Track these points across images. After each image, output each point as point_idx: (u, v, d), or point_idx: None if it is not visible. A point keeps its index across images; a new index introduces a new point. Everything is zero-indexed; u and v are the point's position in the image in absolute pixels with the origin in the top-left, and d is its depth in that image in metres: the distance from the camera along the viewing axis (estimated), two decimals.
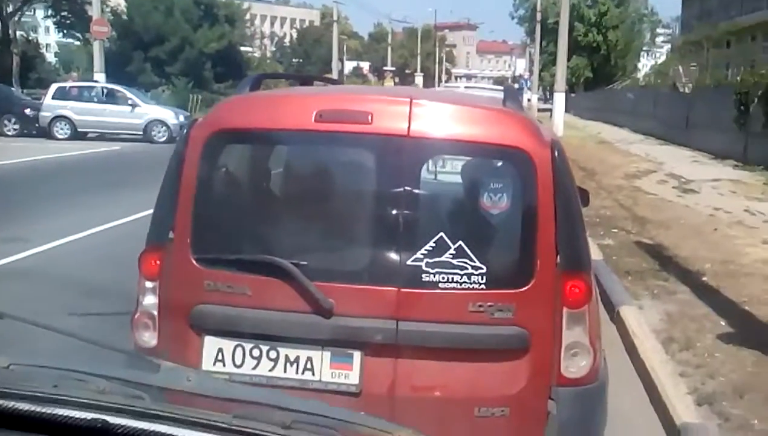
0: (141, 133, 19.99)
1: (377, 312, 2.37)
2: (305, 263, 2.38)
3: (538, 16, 40.67)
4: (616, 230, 8.44)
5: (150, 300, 2.60)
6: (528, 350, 2.39)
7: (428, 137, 2.42)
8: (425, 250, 2.35)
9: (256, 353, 2.43)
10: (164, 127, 20.00)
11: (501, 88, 9.55)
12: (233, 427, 1.11)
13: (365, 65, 78.99)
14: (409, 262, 2.36)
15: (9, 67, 30.95)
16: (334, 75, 32.59)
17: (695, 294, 5.78)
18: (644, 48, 55.95)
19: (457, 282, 2.35)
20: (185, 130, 2.63)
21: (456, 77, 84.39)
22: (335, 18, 42.67)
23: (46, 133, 19.93)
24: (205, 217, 2.54)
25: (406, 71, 75.89)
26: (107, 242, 7.63)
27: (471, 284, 2.35)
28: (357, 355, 2.39)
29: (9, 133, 20.29)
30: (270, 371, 2.42)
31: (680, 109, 20.92)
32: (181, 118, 19.91)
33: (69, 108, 20.15)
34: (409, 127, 2.38)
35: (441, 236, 2.35)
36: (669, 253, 7.23)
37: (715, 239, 7.94)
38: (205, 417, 1.13)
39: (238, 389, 1.33)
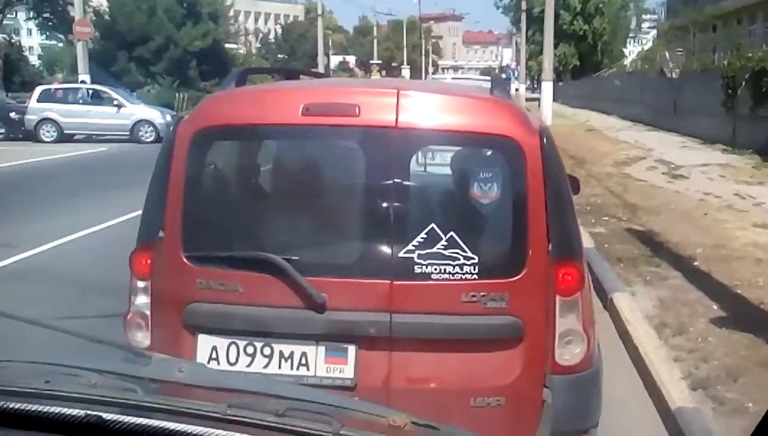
0: (128, 133, 19.88)
1: (370, 305, 2.36)
2: (297, 258, 2.37)
3: (524, 5, 40.63)
4: (606, 218, 8.46)
5: (142, 300, 2.58)
6: (522, 338, 2.39)
7: (416, 128, 2.41)
8: (417, 241, 2.34)
9: (250, 350, 2.42)
10: (151, 127, 19.90)
11: (488, 78, 9.56)
12: (227, 417, 1.10)
13: (351, 59, 78.87)
14: (400, 254, 2.35)
15: None
16: (320, 70, 32.50)
17: (687, 279, 5.81)
18: (630, 35, 56.02)
19: (449, 273, 2.35)
20: (171, 128, 2.61)
21: (443, 69, 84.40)
22: (320, 12, 42.48)
23: (32, 136, 19.82)
24: (195, 215, 2.52)
25: (393, 64, 75.78)
26: (98, 244, 7.59)
27: (463, 274, 2.34)
28: (351, 349, 2.38)
29: None
30: (265, 367, 2.41)
31: (668, 95, 20.97)
32: (168, 117, 19.79)
33: (54, 110, 20.04)
34: (396, 119, 2.37)
35: (432, 228, 2.34)
36: (660, 239, 7.26)
37: (706, 224, 7.98)
38: (199, 408, 1.12)
39: (231, 378, 1.34)
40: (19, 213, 9.05)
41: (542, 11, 25.21)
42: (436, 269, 2.34)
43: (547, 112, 21.07)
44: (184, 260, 2.47)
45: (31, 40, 59.76)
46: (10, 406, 1.11)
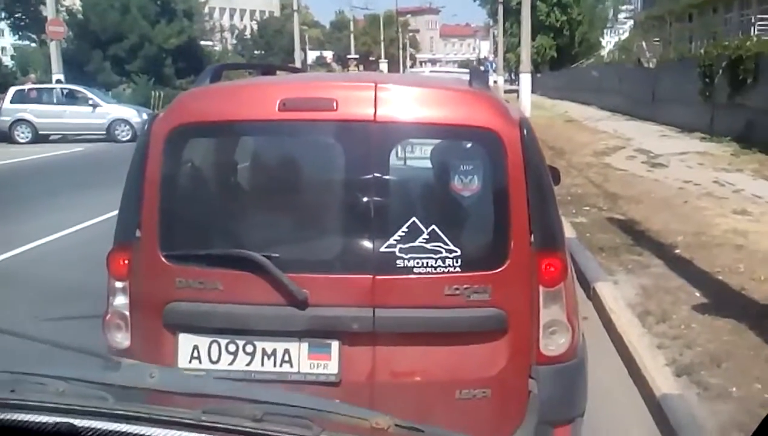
0: (104, 133, 19.70)
1: (353, 301, 2.34)
2: (277, 254, 2.34)
3: None
4: (587, 208, 8.49)
5: (120, 300, 2.55)
6: (506, 330, 2.38)
7: (395, 121, 2.38)
8: (398, 236, 2.32)
9: (232, 348, 2.40)
10: (127, 126, 19.72)
11: (465, 70, 9.54)
12: (203, 423, 1.07)
13: (328, 54, 78.61)
14: (382, 248, 2.32)
15: None
16: (297, 65, 32.35)
17: (669, 267, 5.84)
18: (607, 25, 56.34)
19: (431, 266, 2.33)
20: (146, 126, 2.56)
21: (420, 62, 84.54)
22: (295, 8, 42.20)
23: (6, 137, 19.59)
24: (172, 213, 2.49)
25: (370, 58, 75.65)
26: (76, 245, 7.50)
27: (446, 267, 2.33)
28: (335, 344, 2.36)
29: None
30: (247, 365, 2.38)
31: (645, 85, 21.13)
32: (144, 116, 19.59)
33: (29, 111, 19.81)
34: (375, 113, 2.34)
35: (413, 221, 2.32)
36: (641, 227, 7.30)
37: (686, 212, 8.03)
38: (173, 414, 1.09)
39: (205, 383, 1.27)
40: None
41: (519, 3, 25.27)
42: (418, 263, 2.33)
43: (526, 103, 21.13)
44: (162, 259, 2.43)
45: (3, 40, 58.99)
46: None
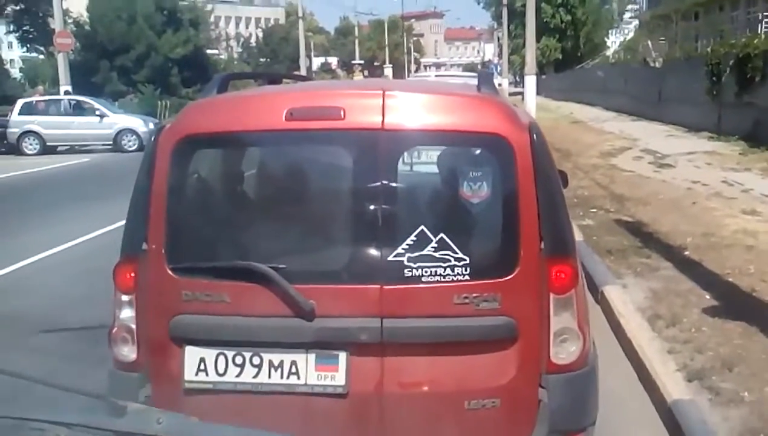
0: (111, 143, 19.78)
1: (361, 311, 2.32)
2: (284, 266, 2.32)
3: (505, 0, 40.67)
4: (594, 210, 8.45)
5: (127, 313, 2.53)
6: (516, 339, 2.35)
7: (403, 129, 2.36)
8: (406, 244, 2.30)
9: (239, 360, 2.38)
10: (134, 136, 19.78)
11: (472, 74, 9.51)
12: None
13: (333, 60, 78.75)
14: (390, 258, 2.30)
15: None
16: (303, 72, 32.40)
17: (678, 269, 5.79)
18: (613, 25, 56.19)
19: (440, 275, 2.30)
20: (153, 138, 2.55)
21: (425, 66, 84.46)
22: (300, 15, 42.35)
23: (15, 149, 19.68)
24: (179, 225, 2.47)
25: (375, 64, 75.72)
26: (83, 256, 7.50)
27: (455, 276, 2.30)
28: (342, 356, 2.34)
29: None
30: (254, 377, 2.37)
31: (652, 84, 21.04)
32: (151, 125, 19.67)
33: (37, 123, 19.91)
34: (383, 120, 2.32)
35: (422, 230, 2.30)
36: (649, 229, 7.25)
37: (695, 213, 7.97)
38: None
39: (217, 430, 1.19)
40: (3, 227, 8.97)
41: (524, 5, 25.20)
42: (426, 272, 2.30)
43: (531, 105, 21.05)
44: (169, 272, 2.42)
45: (12, 53, 59.27)
46: None
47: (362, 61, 66.30)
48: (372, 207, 2.33)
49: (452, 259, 2.30)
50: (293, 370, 2.35)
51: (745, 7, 25.61)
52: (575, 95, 33.49)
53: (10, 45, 55.90)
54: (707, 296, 5.07)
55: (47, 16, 31.97)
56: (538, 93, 23.17)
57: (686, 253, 6.24)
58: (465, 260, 2.30)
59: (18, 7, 36.26)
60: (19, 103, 20.94)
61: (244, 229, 2.61)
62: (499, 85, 33.49)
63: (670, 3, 30.05)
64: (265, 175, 2.90)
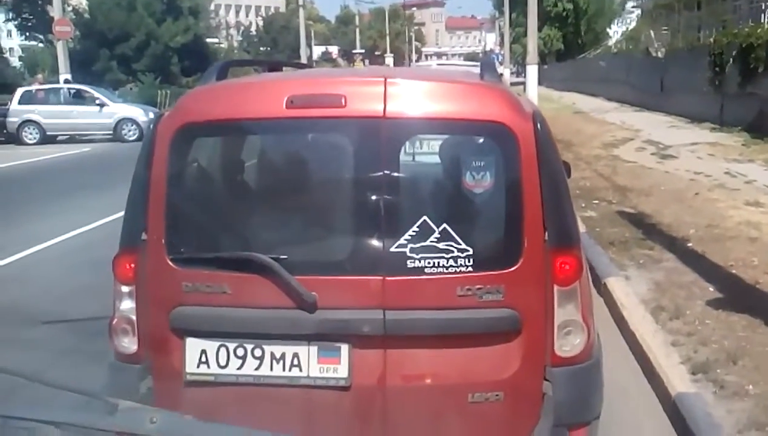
0: (111, 132, 19.74)
1: (363, 303, 2.29)
2: (285, 256, 2.29)
3: None
4: (597, 201, 8.41)
5: (127, 305, 2.50)
6: (520, 331, 2.32)
7: (406, 117, 2.33)
8: (409, 235, 2.27)
9: (240, 352, 2.35)
10: (134, 126, 19.75)
11: (474, 63, 9.45)
12: None
13: (334, 49, 78.43)
14: (392, 249, 2.27)
15: None
16: (303, 61, 32.27)
17: (681, 261, 5.76)
18: (615, 15, 55.90)
19: (443, 266, 2.27)
20: (151, 126, 2.51)
21: (426, 56, 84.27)
22: (301, 3, 42.15)
23: (15, 138, 19.66)
24: (179, 215, 2.44)
25: (376, 53, 75.52)
26: (83, 247, 7.47)
27: (458, 267, 2.27)
28: (345, 348, 2.31)
29: None
30: (256, 369, 2.34)
31: (654, 75, 20.96)
32: (151, 114, 19.53)
33: (36, 112, 19.89)
34: (384, 108, 2.28)
35: (424, 220, 2.27)
36: (652, 220, 7.21)
37: (698, 204, 7.93)
38: None
39: (213, 429, 1.15)
40: (3, 217, 8.95)
41: None
42: (429, 263, 2.27)
43: (533, 95, 20.95)
44: (169, 262, 2.39)
45: (11, 41, 59.07)
46: None
47: (363, 51, 66.12)
48: (374, 197, 2.30)
49: (455, 250, 2.27)
50: (295, 362, 2.32)
51: None
52: (577, 85, 33.39)
53: (9, 33, 55.73)
54: (711, 289, 5.04)
55: (46, 3, 31.82)
56: (539, 83, 23.08)
57: (689, 245, 6.21)
58: (468, 251, 2.27)
59: None
60: (19, 92, 20.89)
61: (244, 219, 2.58)
62: (501, 74, 33.40)
63: None
64: (266, 164, 2.87)
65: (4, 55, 42.51)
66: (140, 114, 20.05)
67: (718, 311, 4.56)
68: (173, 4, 36.45)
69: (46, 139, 19.74)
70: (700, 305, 4.72)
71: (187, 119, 2.44)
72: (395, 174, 2.32)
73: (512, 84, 31.40)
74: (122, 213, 2.54)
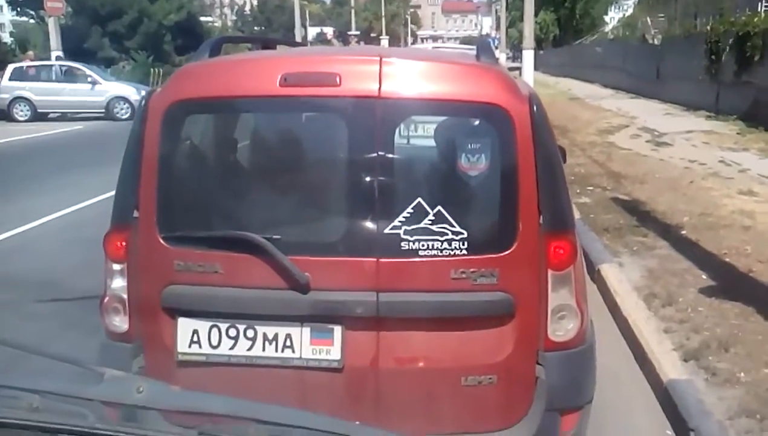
0: (103, 111, 19.60)
1: (356, 284, 2.27)
2: (278, 236, 2.27)
3: None
4: (591, 188, 8.40)
5: (118, 283, 2.48)
6: (513, 315, 2.31)
7: (401, 97, 2.30)
8: (403, 217, 2.25)
9: (232, 332, 2.34)
10: (126, 104, 19.58)
11: (470, 47, 9.37)
12: None
13: (329, 30, 77.93)
14: (386, 231, 2.25)
15: None
16: (298, 41, 32.04)
17: (675, 248, 5.76)
18: (611, 1, 55.71)
19: (437, 249, 2.26)
20: (143, 103, 2.47)
21: (422, 39, 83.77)
22: None
23: (5, 115, 19.51)
24: (170, 193, 2.41)
25: (371, 35, 75.03)
26: (75, 225, 7.43)
27: (452, 250, 2.26)
28: (337, 329, 2.30)
29: None
30: (248, 350, 2.33)
31: (650, 62, 20.92)
32: (143, 93, 19.39)
33: (28, 89, 19.73)
34: (380, 88, 2.25)
35: (419, 202, 2.25)
36: (646, 208, 7.21)
37: (692, 192, 7.94)
38: (163, 435, 0.98)
39: (201, 399, 1.13)
40: None
41: None
42: (423, 245, 2.25)
43: (529, 80, 20.82)
44: (161, 241, 2.37)
45: (2, 17, 58.48)
46: None
47: (358, 32, 65.70)
48: (368, 178, 2.28)
49: (449, 233, 2.26)
50: (288, 343, 2.31)
51: None
52: (573, 71, 33.31)
53: (0, 8, 55.14)
54: (704, 276, 5.05)
55: None
56: (535, 68, 22.97)
57: (683, 232, 6.21)
58: (462, 234, 2.25)
59: None
60: (10, 68, 20.68)
61: (237, 198, 2.55)
62: (496, 57, 33.27)
63: None
64: (259, 143, 2.84)
65: None
66: (132, 92, 19.87)
67: (710, 299, 4.56)
68: None
69: (38, 116, 19.58)
70: (693, 292, 4.73)
71: (179, 96, 2.40)
72: (390, 155, 2.30)
73: (508, 69, 31.21)
74: (114, 192, 2.50)
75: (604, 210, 7.24)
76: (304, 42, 41.42)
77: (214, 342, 2.34)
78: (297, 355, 2.31)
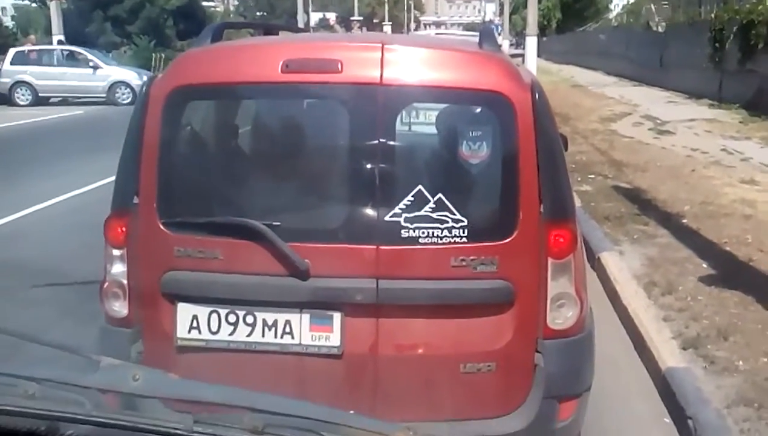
0: (104, 95, 19.58)
1: (356, 271, 2.28)
2: (278, 223, 2.28)
3: None
4: (593, 176, 8.39)
5: (118, 268, 2.48)
6: (513, 303, 2.32)
7: (402, 84, 2.30)
8: (403, 204, 2.25)
9: (232, 318, 2.35)
10: (128, 89, 19.54)
11: (473, 33, 9.34)
12: (194, 433, 0.97)
13: (332, 16, 77.48)
14: (387, 218, 2.25)
15: None
16: (300, 27, 31.93)
17: (675, 237, 5.76)
18: None
19: (437, 237, 2.26)
20: (144, 88, 2.47)
21: (425, 25, 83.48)
22: None
23: (7, 100, 19.49)
24: (171, 179, 2.42)
25: (374, 21, 74.69)
26: (76, 210, 7.44)
27: (452, 237, 2.26)
28: (337, 316, 2.30)
29: None
30: (248, 336, 2.34)
31: (654, 49, 20.82)
32: (145, 78, 19.23)
33: (29, 73, 19.71)
34: (381, 75, 2.25)
35: (419, 190, 2.25)
36: (647, 196, 7.20)
37: (693, 180, 7.92)
38: (160, 423, 0.98)
39: (197, 388, 1.13)
40: None
41: None
42: (423, 233, 2.26)
43: (532, 67, 20.70)
44: (161, 226, 2.37)
45: (4, 0, 58.18)
46: None
47: (361, 18, 65.33)
48: (369, 165, 2.28)
49: (450, 220, 2.26)
50: (287, 329, 2.32)
51: None
52: (576, 58, 33.15)
53: None
54: (704, 265, 5.05)
55: None
56: (538, 55, 22.86)
57: (684, 221, 6.20)
58: (463, 221, 2.26)
59: None
60: (11, 52, 20.65)
61: (237, 184, 2.55)
62: (500, 45, 33.11)
63: None
64: (260, 129, 2.84)
65: None
66: (134, 77, 19.83)
67: (710, 288, 4.57)
68: None
69: (39, 100, 19.56)
70: (693, 281, 4.73)
71: (180, 82, 2.40)
72: (391, 142, 2.31)
73: (511, 56, 30.97)
74: (114, 177, 2.50)
75: (605, 198, 7.23)
76: (307, 27, 41.26)
77: (214, 328, 2.35)
78: (296, 341, 2.32)
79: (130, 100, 18.88)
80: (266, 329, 2.33)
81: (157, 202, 2.38)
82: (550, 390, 2.36)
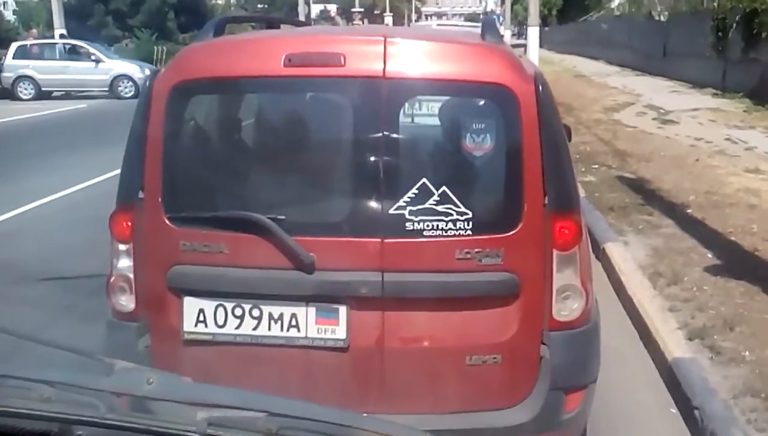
0: (107, 89, 19.60)
1: (361, 265, 2.28)
2: (283, 217, 2.27)
3: None
4: (596, 166, 8.37)
5: (125, 263, 2.49)
6: (518, 295, 2.32)
7: (405, 77, 2.29)
8: (408, 197, 2.25)
9: (238, 312, 2.35)
10: (130, 82, 19.58)
11: (475, 24, 9.32)
12: None
13: (332, 8, 77.21)
14: (391, 211, 2.25)
15: None
16: (302, 19, 31.85)
17: (680, 227, 5.74)
18: None
19: (442, 229, 2.26)
20: (147, 83, 2.47)
21: (426, 16, 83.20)
22: None
23: (9, 94, 19.51)
24: (176, 174, 2.42)
25: (375, 12, 74.45)
26: (80, 204, 7.45)
27: (457, 230, 2.26)
28: (342, 309, 2.31)
29: None
30: (254, 329, 2.34)
31: (656, 39, 20.73)
32: (147, 71, 19.25)
33: (31, 67, 19.75)
34: (384, 68, 2.24)
35: (423, 182, 2.25)
36: (652, 186, 7.18)
37: (698, 170, 7.90)
38: (174, 426, 0.98)
39: (211, 391, 1.13)
40: (0, 173, 8.87)
41: None
42: (428, 226, 2.26)
43: (534, 58, 20.64)
44: (166, 221, 2.37)
45: None
46: None
47: (362, 9, 65.11)
48: (373, 158, 2.28)
49: (454, 213, 2.26)
50: (293, 323, 2.32)
51: None
52: (578, 48, 33.03)
53: None
54: (709, 255, 5.04)
55: None
56: (540, 45, 22.76)
57: (688, 211, 6.19)
58: (467, 214, 2.25)
59: None
60: (14, 46, 20.68)
61: (242, 178, 2.56)
62: (502, 36, 32.97)
63: None
64: (264, 123, 2.83)
65: None
66: (136, 71, 19.85)
67: (716, 278, 4.56)
68: None
69: (41, 94, 19.59)
70: (698, 271, 4.72)
71: (184, 76, 2.40)
72: (395, 135, 2.30)
73: (513, 46, 30.89)
74: (119, 171, 2.51)
75: (610, 188, 7.21)
76: (308, 19, 41.16)
77: (220, 321, 2.35)
78: (302, 334, 2.32)
79: (132, 93, 18.92)
80: (272, 322, 2.33)
81: (162, 196, 2.38)
82: (556, 382, 2.37)
